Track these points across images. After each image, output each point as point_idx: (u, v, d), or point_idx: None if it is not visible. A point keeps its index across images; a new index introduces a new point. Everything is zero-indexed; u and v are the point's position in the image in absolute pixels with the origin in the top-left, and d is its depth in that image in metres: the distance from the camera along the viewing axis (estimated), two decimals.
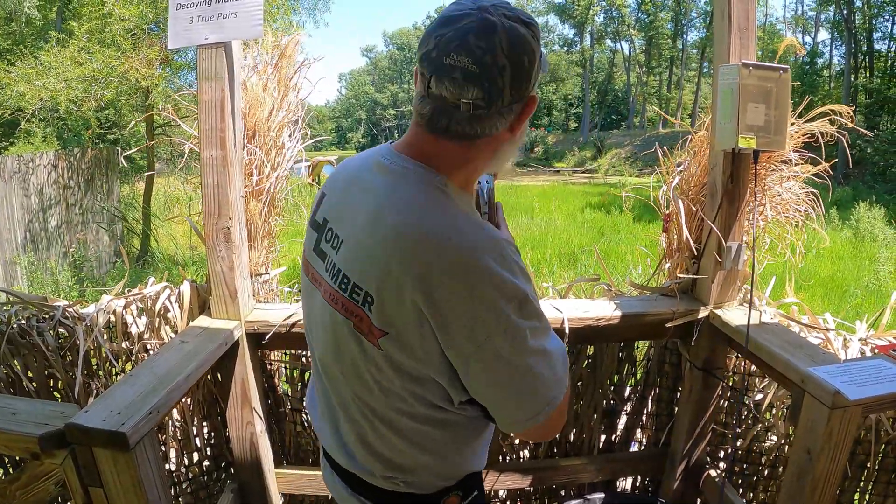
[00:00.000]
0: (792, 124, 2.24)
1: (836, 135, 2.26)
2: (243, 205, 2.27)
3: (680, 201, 2.32)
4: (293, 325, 2.24)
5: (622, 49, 56.38)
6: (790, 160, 2.28)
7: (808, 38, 41.21)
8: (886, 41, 31.65)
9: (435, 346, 1.03)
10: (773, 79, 2.02)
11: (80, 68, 9.56)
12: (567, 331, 2.17)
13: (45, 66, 9.95)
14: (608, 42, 56.97)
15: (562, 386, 1.09)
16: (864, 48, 32.06)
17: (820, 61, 36.32)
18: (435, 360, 1.05)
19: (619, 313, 2.25)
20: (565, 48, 60.88)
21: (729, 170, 2.12)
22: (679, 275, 2.37)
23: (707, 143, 2.28)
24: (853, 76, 30.82)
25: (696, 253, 2.31)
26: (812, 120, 2.28)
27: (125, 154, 9.82)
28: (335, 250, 1.13)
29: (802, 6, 40.96)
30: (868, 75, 31.50)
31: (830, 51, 37.53)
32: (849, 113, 2.26)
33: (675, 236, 2.38)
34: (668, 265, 2.47)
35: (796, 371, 1.78)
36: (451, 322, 1.00)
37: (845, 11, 31.43)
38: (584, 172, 37.79)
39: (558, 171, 39.63)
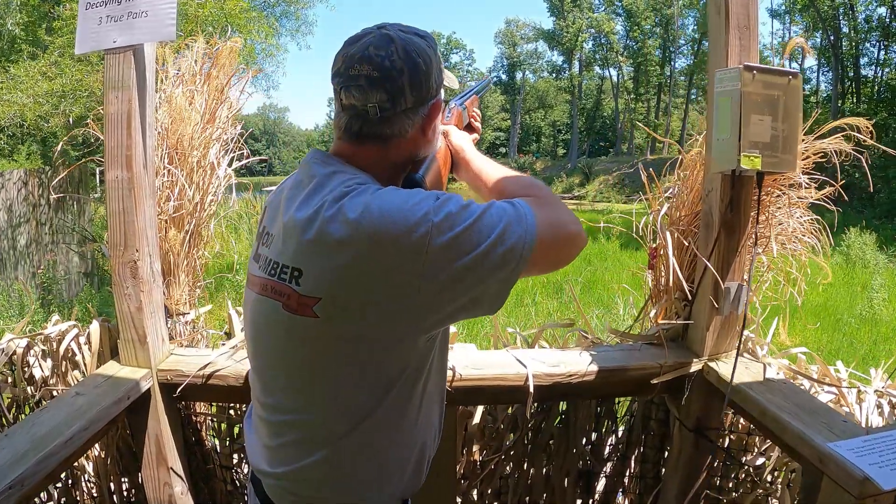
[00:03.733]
0: (801, 141, 1.91)
1: (853, 153, 1.92)
2: (155, 235, 1.97)
3: (668, 234, 1.98)
4: (210, 375, 1.91)
5: (610, 76, 56.81)
6: (798, 184, 1.95)
7: (794, 65, 41.48)
8: (873, 67, 31.92)
9: (380, 297, 1.02)
10: (780, 86, 1.67)
11: (49, 83, 9.28)
12: (532, 390, 1.82)
13: (14, 81, 9.66)
14: (596, 69, 57.53)
15: (518, 218, 1.05)
16: (851, 74, 32.29)
17: (807, 87, 36.57)
18: (376, 313, 1.03)
19: (595, 368, 1.89)
20: (554, 75, 61.37)
21: (728, 196, 1.78)
22: (664, 320, 2.02)
23: (700, 165, 1.96)
24: (840, 102, 30.89)
25: (688, 294, 1.97)
26: (824, 136, 1.96)
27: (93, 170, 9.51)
28: (268, 248, 1.15)
29: (790, 33, 41.11)
30: (855, 101, 31.59)
31: (818, 77, 37.85)
32: (867, 127, 1.91)
33: (663, 274, 2.02)
34: (654, 308, 2.11)
35: (812, 447, 1.44)
36: (382, 277, 1.01)
37: (832, 37, 31.64)
38: (572, 199, 37.75)
39: None
